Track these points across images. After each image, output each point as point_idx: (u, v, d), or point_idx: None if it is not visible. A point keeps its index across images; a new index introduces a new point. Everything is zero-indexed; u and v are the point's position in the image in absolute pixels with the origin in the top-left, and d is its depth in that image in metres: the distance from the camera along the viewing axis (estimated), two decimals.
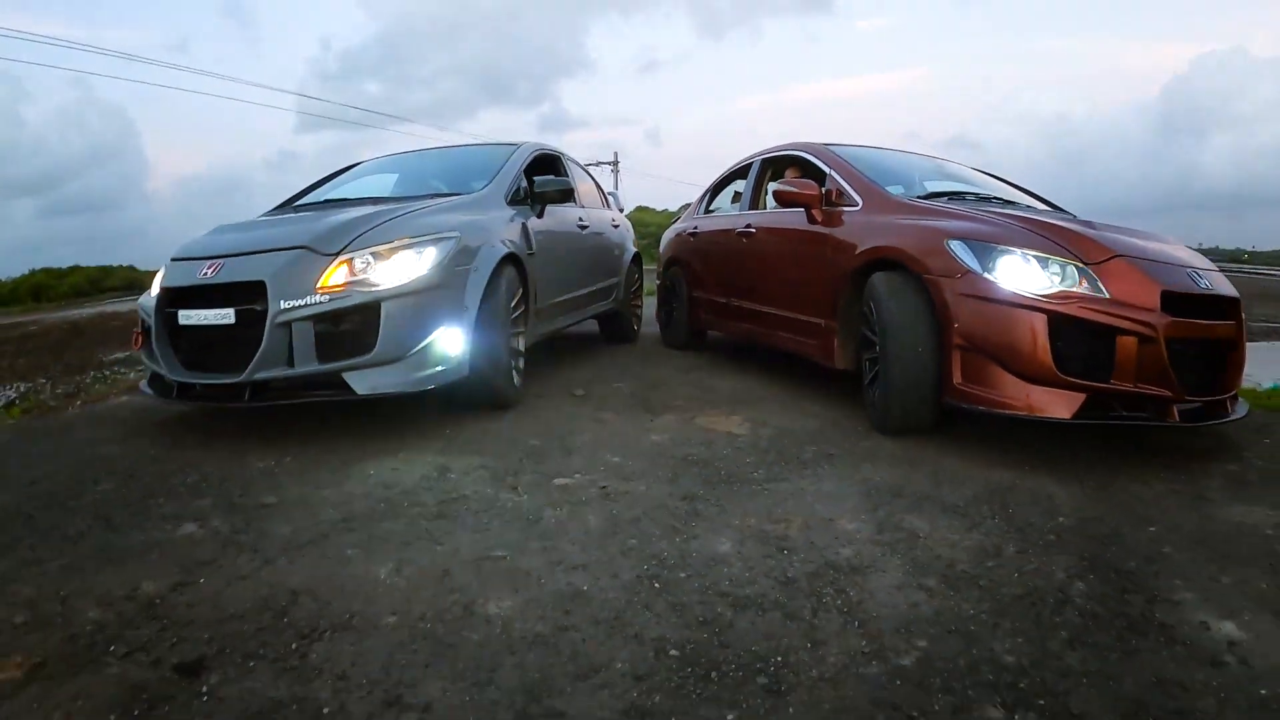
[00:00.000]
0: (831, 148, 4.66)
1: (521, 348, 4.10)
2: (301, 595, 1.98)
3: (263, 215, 4.39)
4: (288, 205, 4.67)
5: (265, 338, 3.12)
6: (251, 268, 3.25)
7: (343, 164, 6.83)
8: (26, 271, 53.11)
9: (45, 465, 3.21)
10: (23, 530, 2.49)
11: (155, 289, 3.60)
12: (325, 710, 1.52)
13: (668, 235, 6.82)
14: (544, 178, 4.64)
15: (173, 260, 3.56)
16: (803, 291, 4.26)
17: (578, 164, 6.18)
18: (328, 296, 3.18)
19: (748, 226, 5.05)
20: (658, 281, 6.93)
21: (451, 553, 2.22)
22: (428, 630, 1.81)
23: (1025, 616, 1.87)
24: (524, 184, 4.51)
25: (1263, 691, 1.60)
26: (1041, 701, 1.54)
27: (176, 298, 3.39)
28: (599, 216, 6.02)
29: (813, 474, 2.90)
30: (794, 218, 4.38)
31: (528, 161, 4.78)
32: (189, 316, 3.32)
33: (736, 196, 5.78)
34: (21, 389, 9.45)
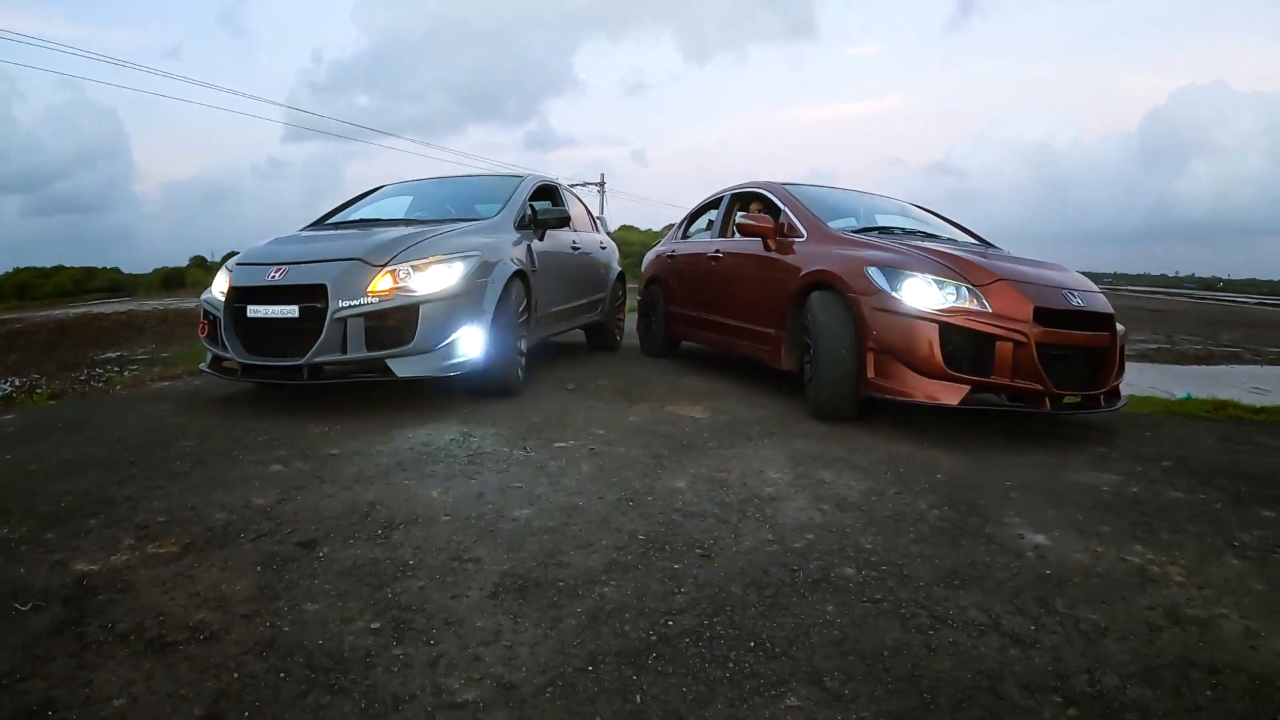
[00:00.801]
0: (787, 187, 5.50)
1: (524, 348, 4.91)
2: (377, 505, 2.75)
3: (304, 229, 5.19)
4: (323, 221, 5.47)
5: (325, 330, 3.92)
6: (314, 273, 4.04)
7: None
8: (11, 269, 53.31)
9: (121, 430, 3.90)
10: (132, 469, 3.20)
11: (221, 287, 4.35)
12: (410, 562, 2.30)
13: (649, 256, 7.63)
14: (544, 205, 5.50)
15: (238, 264, 4.34)
16: (759, 306, 5.05)
17: (572, 192, 7.03)
18: (377, 299, 3.98)
19: (716, 251, 5.87)
20: (639, 297, 7.73)
21: (482, 484, 3.00)
22: (473, 524, 2.60)
23: (888, 526, 2.68)
24: (529, 211, 5.33)
25: (1047, 571, 2.38)
26: (884, 567, 2.34)
27: (246, 295, 4.16)
28: (589, 239, 6.87)
29: (754, 445, 3.71)
30: (754, 245, 5.20)
31: (531, 192, 5.62)
32: (257, 310, 4.09)
33: (710, 224, 6.63)
34: (17, 382, 10.02)
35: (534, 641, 1.89)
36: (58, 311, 25.46)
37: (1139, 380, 6.41)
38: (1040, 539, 2.64)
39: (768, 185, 5.68)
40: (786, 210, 5.17)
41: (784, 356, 4.73)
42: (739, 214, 5.47)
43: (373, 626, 1.94)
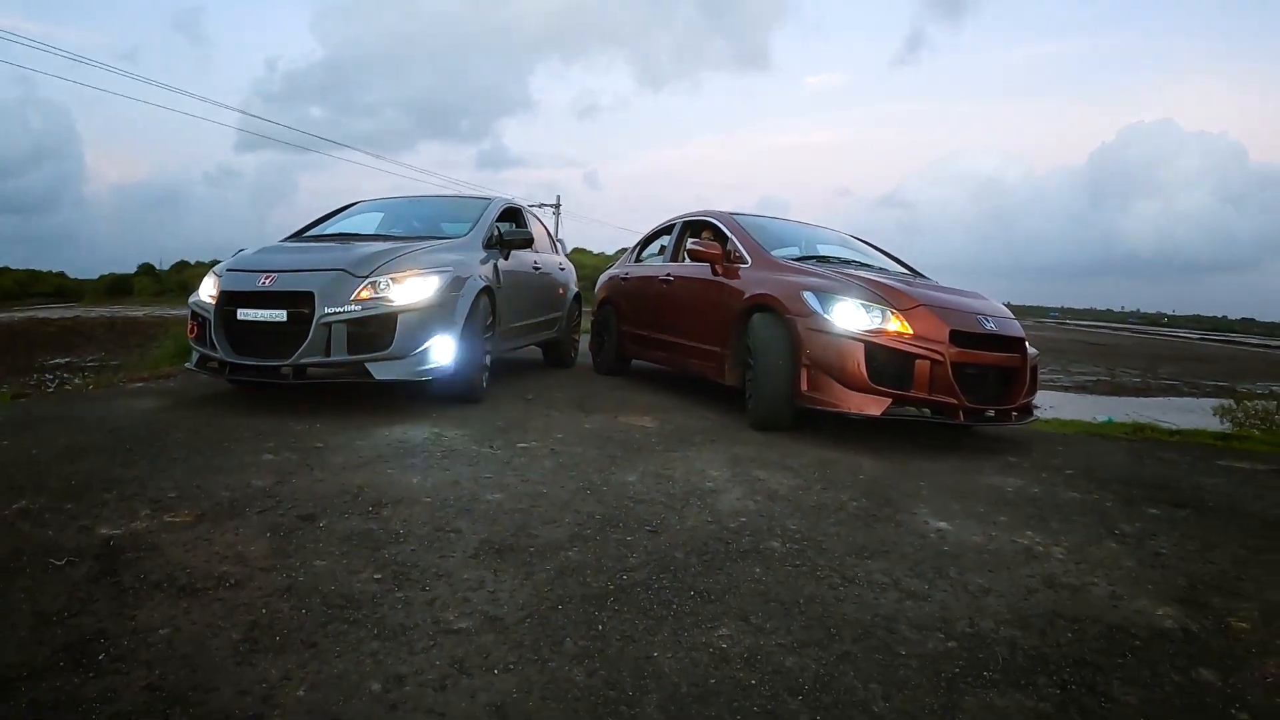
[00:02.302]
0: (735, 216, 5.98)
1: (488, 360, 5.31)
2: (365, 488, 3.11)
3: (286, 240, 5.56)
4: (302, 234, 5.84)
5: (311, 333, 4.28)
6: (302, 281, 4.42)
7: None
8: None
9: (111, 424, 4.16)
10: (132, 455, 3.49)
11: (209, 291, 4.69)
12: (400, 532, 2.67)
13: (603, 278, 8.04)
14: (509, 227, 5.94)
15: (228, 270, 4.70)
16: (705, 326, 5.49)
17: (535, 215, 7.46)
18: (359, 306, 4.36)
19: (668, 275, 6.31)
20: (592, 317, 8.10)
21: (457, 474, 3.38)
22: (452, 504, 2.97)
23: (811, 513, 3.11)
24: (496, 231, 5.74)
25: (945, 548, 2.82)
26: (806, 542, 2.77)
27: (236, 299, 4.51)
28: (549, 260, 7.30)
29: (697, 449, 4.13)
30: (702, 270, 5.64)
31: (498, 213, 6.05)
32: (247, 314, 4.45)
33: (662, 249, 7.06)
34: None
35: (513, 589, 2.28)
36: (2, 315, 25.14)
37: (1073, 409, 6.90)
38: (943, 524, 3.08)
39: (717, 214, 6.17)
40: (733, 238, 5.64)
41: (727, 372, 5.15)
42: (690, 240, 5.88)
43: (375, 577, 2.31)
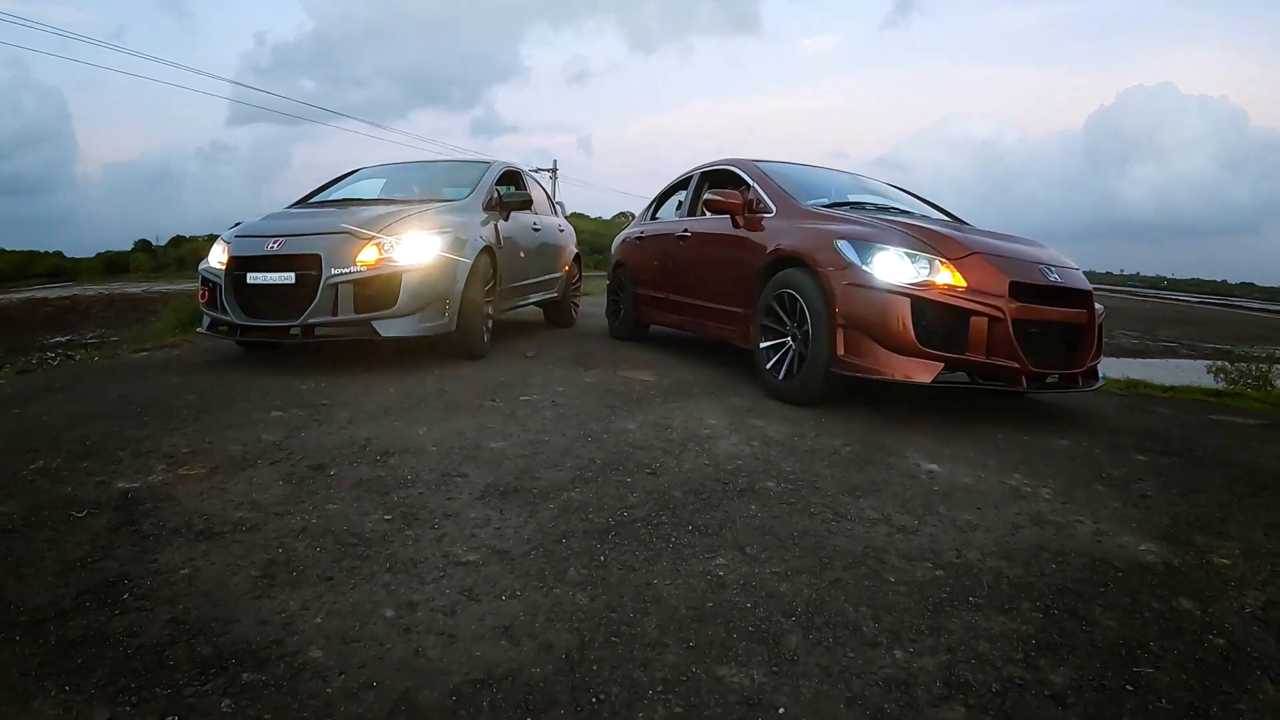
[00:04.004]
0: (757, 163, 5.48)
1: (490, 320, 5.42)
2: (373, 440, 3.20)
3: (290, 207, 5.67)
4: (307, 200, 5.94)
5: (319, 294, 4.40)
6: (309, 244, 4.53)
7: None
8: None
9: (121, 389, 4.24)
10: (143, 417, 3.57)
11: (219, 257, 4.81)
12: (408, 478, 2.76)
13: (618, 240, 7.69)
14: (508, 189, 6.02)
15: (236, 236, 4.83)
16: (726, 285, 5.08)
17: (534, 178, 7.52)
18: (365, 267, 4.47)
19: (685, 231, 5.91)
20: (608, 282, 7.87)
21: (461, 425, 3.46)
22: (457, 451, 3.07)
23: (805, 457, 3.19)
24: (495, 194, 5.83)
25: (935, 488, 2.90)
26: (800, 482, 2.86)
27: (245, 264, 4.63)
28: (548, 222, 7.38)
29: (696, 400, 4.21)
30: (723, 224, 5.20)
31: (498, 176, 6.13)
32: (256, 278, 4.57)
33: (680, 205, 6.59)
34: None
35: (518, 525, 2.38)
36: (0, 297, 25.16)
37: None
38: (934, 467, 3.17)
39: (738, 162, 5.68)
40: (756, 186, 5.15)
41: (751, 336, 4.68)
42: (708, 191, 5.53)
43: (386, 518, 2.41)
